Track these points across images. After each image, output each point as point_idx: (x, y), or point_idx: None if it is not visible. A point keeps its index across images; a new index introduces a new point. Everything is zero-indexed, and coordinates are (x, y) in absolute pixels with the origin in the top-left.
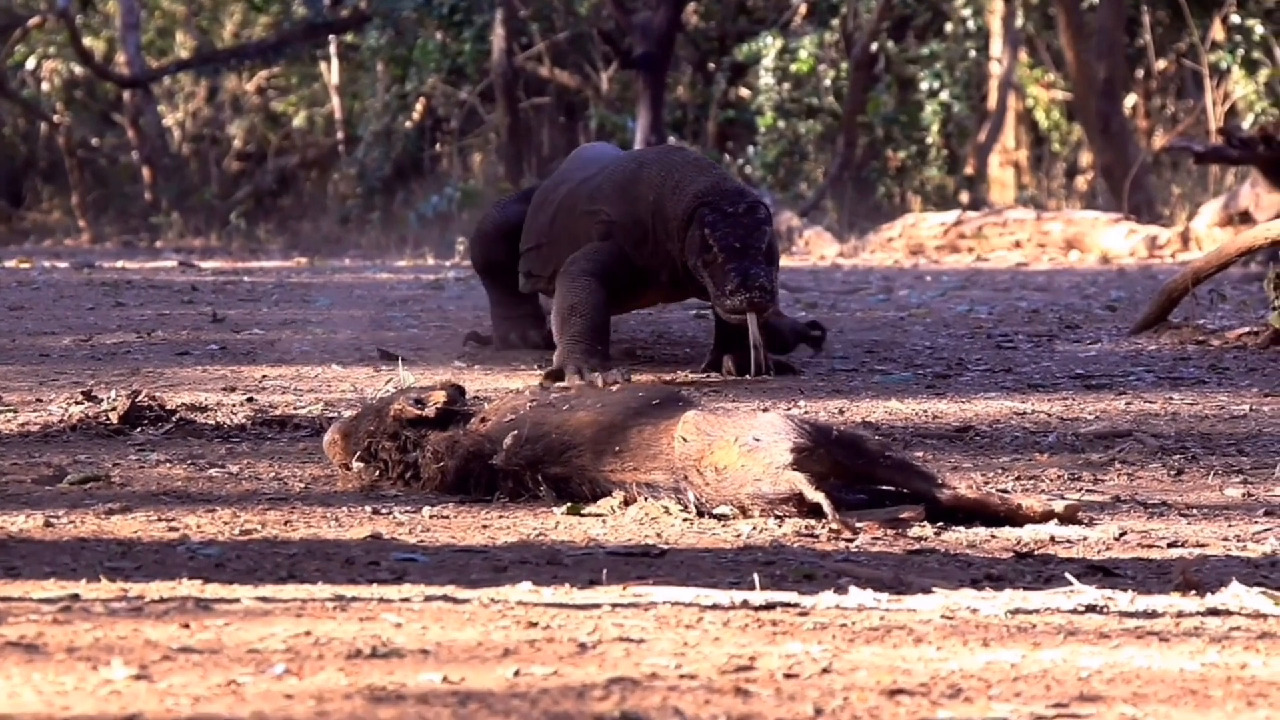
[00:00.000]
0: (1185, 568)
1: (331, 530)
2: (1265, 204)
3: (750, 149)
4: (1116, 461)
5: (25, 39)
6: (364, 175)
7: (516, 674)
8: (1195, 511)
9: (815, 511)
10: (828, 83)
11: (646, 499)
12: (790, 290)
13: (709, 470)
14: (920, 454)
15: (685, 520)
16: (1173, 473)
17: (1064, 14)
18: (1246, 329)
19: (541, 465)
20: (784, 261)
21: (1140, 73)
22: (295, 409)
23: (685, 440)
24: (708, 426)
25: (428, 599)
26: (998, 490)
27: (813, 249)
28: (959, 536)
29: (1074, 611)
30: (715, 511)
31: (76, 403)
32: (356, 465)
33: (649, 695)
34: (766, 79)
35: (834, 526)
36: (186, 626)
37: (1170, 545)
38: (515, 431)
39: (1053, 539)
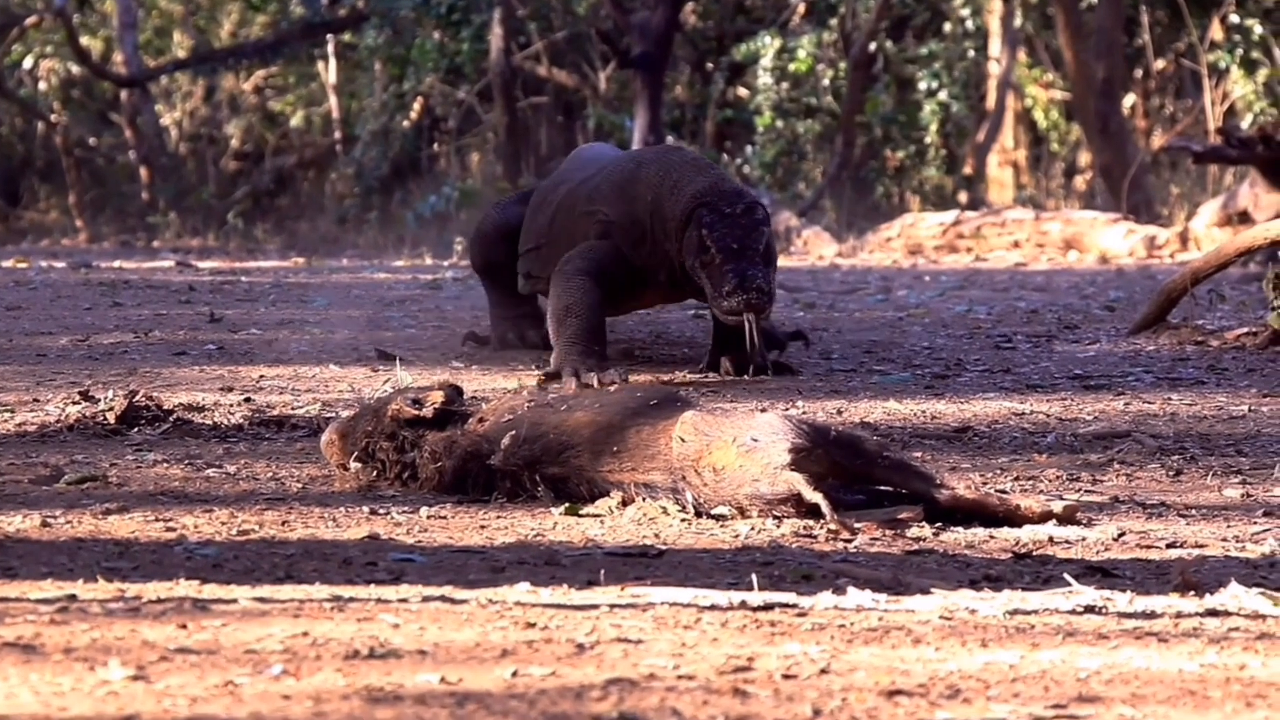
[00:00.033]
0: (1184, 568)
1: (329, 531)
2: (1264, 204)
3: (748, 149)
4: (1115, 462)
5: (22, 38)
6: (362, 175)
7: (514, 675)
8: (1194, 512)
9: (813, 512)
10: (826, 82)
11: (644, 499)
12: (788, 290)
13: (707, 471)
14: (919, 454)
15: (683, 521)
16: (1171, 473)
17: (1062, 14)
18: (1245, 329)
19: (539, 465)
20: (782, 261)
21: (1139, 72)
22: (293, 409)
23: (683, 440)
24: (706, 427)
25: (425, 599)
26: (996, 491)
27: (811, 249)
28: (957, 537)
29: (1072, 612)
30: (713, 512)
31: (73, 403)
32: (354, 465)
33: (647, 696)
34: (765, 79)
35: (832, 527)
36: (184, 627)
37: (1169, 546)
38: (513, 432)
39: (1051, 540)
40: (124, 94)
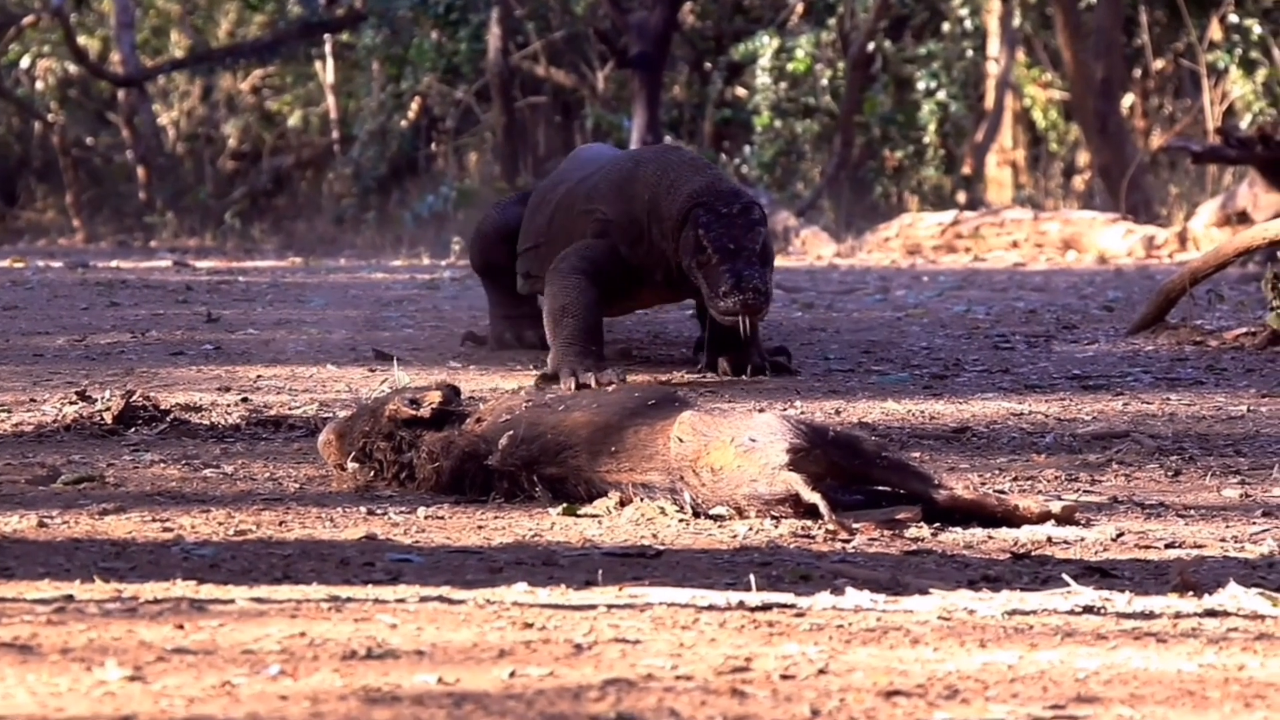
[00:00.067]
0: (1183, 569)
1: (326, 531)
2: (1263, 204)
3: (747, 149)
4: (1114, 462)
5: (19, 37)
6: (359, 175)
7: (512, 675)
8: (1193, 512)
9: (812, 512)
10: (824, 82)
11: (642, 500)
12: (787, 290)
13: (705, 471)
14: (917, 454)
15: (681, 521)
16: (1170, 473)
17: (1061, 13)
18: (1244, 329)
19: (537, 466)
20: (780, 261)
21: (1138, 72)
22: (290, 409)
23: (681, 441)
24: (704, 427)
25: (423, 600)
26: (995, 491)
27: (809, 249)
28: (956, 537)
29: (1071, 612)
30: (711, 512)
31: (71, 403)
32: (351, 466)
33: (645, 696)
34: (763, 78)
35: (830, 527)
36: (181, 627)
37: (1168, 546)
38: (511, 432)
39: (1050, 540)
40: (121, 93)
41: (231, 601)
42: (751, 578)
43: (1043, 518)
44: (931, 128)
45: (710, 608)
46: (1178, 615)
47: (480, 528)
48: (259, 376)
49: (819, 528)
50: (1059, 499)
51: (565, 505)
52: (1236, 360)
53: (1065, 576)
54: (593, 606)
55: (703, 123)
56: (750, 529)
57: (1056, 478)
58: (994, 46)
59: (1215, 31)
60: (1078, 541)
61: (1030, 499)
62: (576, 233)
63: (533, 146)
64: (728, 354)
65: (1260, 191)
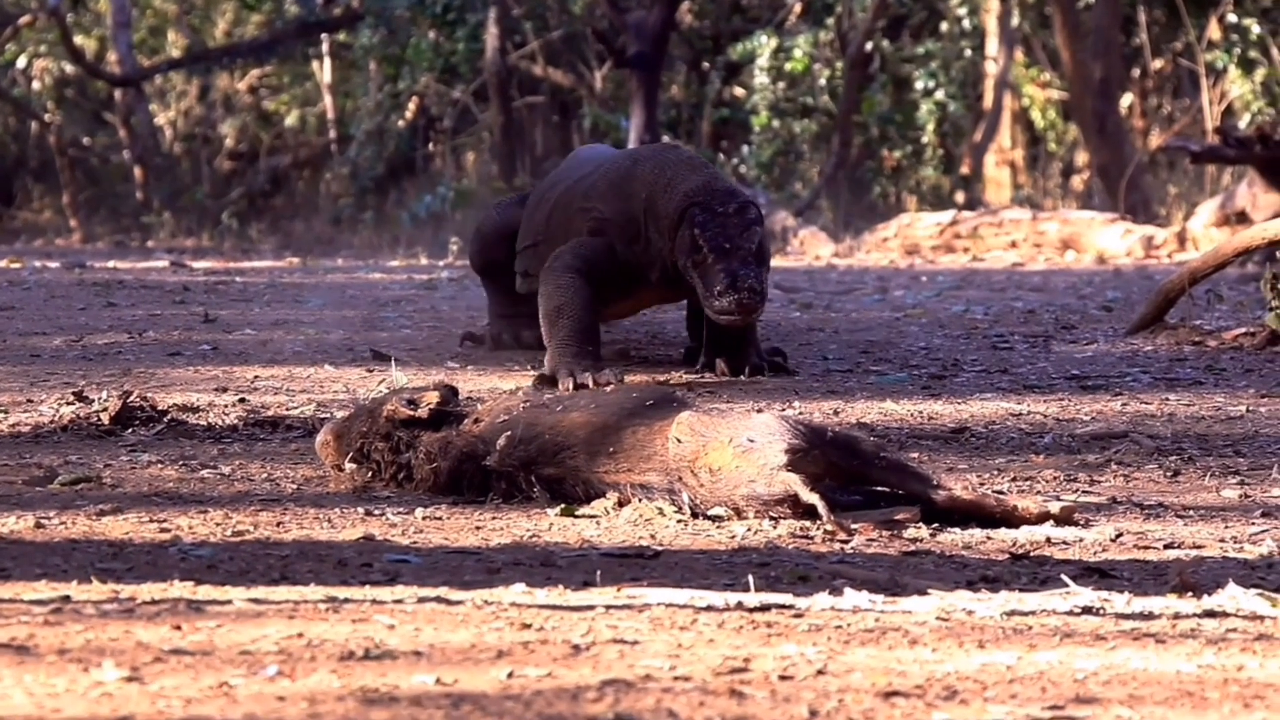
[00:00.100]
0: (1182, 569)
1: (324, 531)
2: (1262, 204)
3: (745, 148)
4: (1113, 463)
5: (16, 37)
6: (357, 175)
7: (510, 676)
8: (1192, 513)
9: (810, 513)
10: (823, 82)
11: (641, 500)
12: (785, 290)
13: (703, 471)
14: (916, 455)
15: (680, 522)
16: (1169, 474)
17: (1060, 13)
18: (1243, 330)
19: (535, 466)
20: (779, 261)
21: (1136, 72)
22: (287, 410)
23: (679, 441)
24: (702, 427)
25: (421, 600)
26: (994, 491)
27: (807, 249)
28: (954, 538)
29: (1070, 613)
30: (710, 513)
31: (68, 403)
32: (349, 466)
33: (643, 697)
34: (761, 78)
35: (829, 528)
36: (178, 628)
37: (1167, 547)
38: (509, 432)
39: (1049, 540)
40: (118, 93)
41: (229, 602)
42: (750, 578)
43: (1041, 518)
44: (930, 127)
45: (708, 608)
46: (1177, 616)
47: (478, 528)
48: (256, 377)
49: (817, 528)
50: (1058, 499)
51: (563, 506)
52: (1235, 360)
53: (1064, 577)
54: (591, 607)
55: (701, 122)
56: (749, 530)
57: (1055, 478)
58: (992, 46)
59: (1214, 31)
60: (1076, 542)
61: (1029, 499)
62: (574, 231)
63: (530, 146)
64: (725, 354)
65: (1259, 191)
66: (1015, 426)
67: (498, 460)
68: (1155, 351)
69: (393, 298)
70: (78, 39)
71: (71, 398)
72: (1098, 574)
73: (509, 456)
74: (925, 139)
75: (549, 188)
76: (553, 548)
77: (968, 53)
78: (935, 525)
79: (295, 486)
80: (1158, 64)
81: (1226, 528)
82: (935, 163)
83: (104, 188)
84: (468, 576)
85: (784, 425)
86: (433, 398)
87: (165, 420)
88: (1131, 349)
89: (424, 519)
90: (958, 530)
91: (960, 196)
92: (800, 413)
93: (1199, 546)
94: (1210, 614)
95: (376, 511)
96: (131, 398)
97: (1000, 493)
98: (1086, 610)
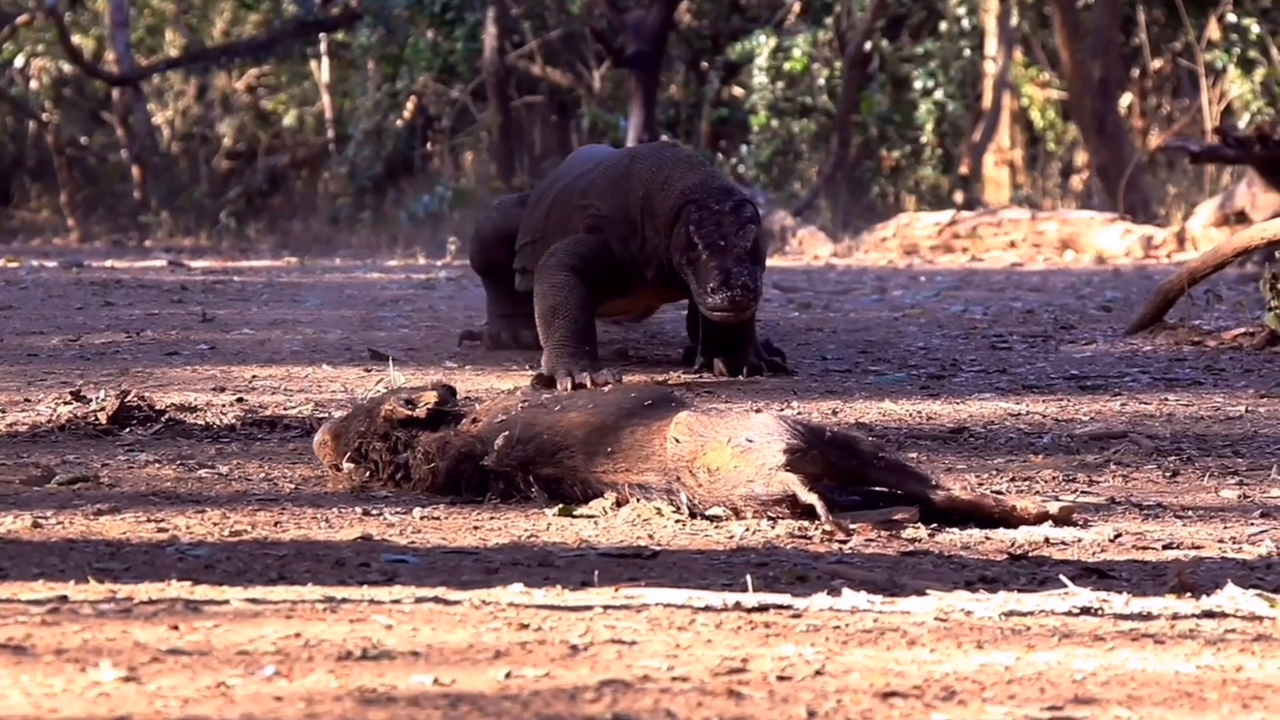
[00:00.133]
0: (1180, 570)
1: (322, 531)
2: (1261, 204)
3: (744, 148)
4: (1112, 463)
5: (14, 36)
6: (355, 174)
7: (508, 676)
8: (1191, 513)
9: (808, 513)
10: (821, 82)
11: (639, 500)
12: (783, 290)
13: (701, 471)
14: (914, 455)
15: (678, 522)
16: (1168, 474)
17: (1059, 13)
18: (1242, 330)
19: (533, 466)
20: (777, 261)
21: (1136, 72)
22: (285, 409)
23: (678, 441)
24: (700, 427)
25: (419, 600)
26: (992, 492)
27: (806, 249)
28: (953, 538)
29: (1069, 614)
30: (708, 513)
31: (65, 403)
32: (347, 466)
33: (641, 697)
34: (760, 78)
35: (827, 528)
36: (175, 628)
37: (1165, 547)
38: (506, 432)
39: (1047, 541)
40: (116, 93)
41: (226, 602)
42: (748, 578)
43: (1040, 518)
44: (929, 127)
45: (707, 609)
46: (1175, 616)
47: (476, 528)
48: (254, 377)
49: (816, 528)
50: (1056, 500)
51: (561, 506)
52: (1234, 361)
53: (1063, 577)
54: (589, 607)
55: (699, 122)
56: (747, 530)
57: (1054, 478)
58: (991, 46)
59: (1213, 31)
60: (1075, 542)
61: (1028, 500)
62: (572, 228)
63: (529, 146)
64: (724, 354)
65: (1258, 191)
66: (1014, 426)
67: (495, 460)
68: (1154, 352)
69: (391, 297)
70: (75, 38)
71: (69, 397)
72: (1096, 574)
73: (507, 456)
74: (924, 139)
75: (549, 186)
76: (551, 548)
77: (967, 52)
78: (934, 525)
79: (293, 486)
80: (1157, 64)
81: (1225, 528)
82: (934, 162)
83: (102, 187)
84: (465, 576)
85: (782, 425)
86: (430, 398)
87: (163, 420)
88: (1130, 349)
89: (422, 519)
90: (956, 530)
91: (959, 196)
92: (799, 413)
93: (1198, 547)
94: (1209, 614)
95: (374, 511)
96: (129, 397)
97: (999, 493)
98: (1085, 611)
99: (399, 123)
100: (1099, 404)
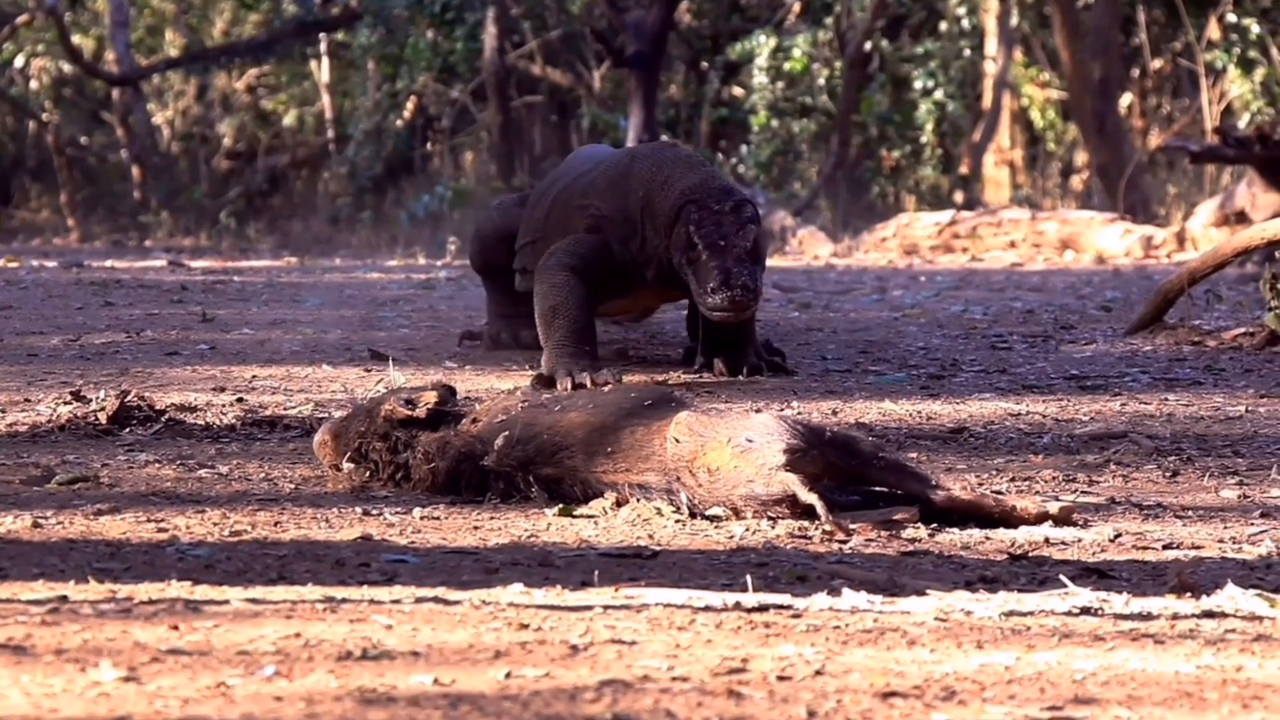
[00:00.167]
0: (1180, 570)
1: (322, 531)
2: (1261, 204)
3: (744, 148)
4: (1111, 463)
5: (14, 36)
6: (355, 174)
7: (508, 676)
8: (1191, 513)
9: (808, 513)
10: (821, 82)
11: (639, 500)
12: (784, 290)
13: (701, 471)
14: (914, 455)
15: (678, 522)
16: (1168, 474)
17: (1059, 13)
18: (1242, 330)
19: (533, 466)
20: (777, 261)
21: (1136, 72)
22: (285, 409)
23: (678, 441)
24: (700, 427)
25: (419, 600)
26: (992, 492)
27: (806, 249)
28: (953, 538)
29: (1069, 614)
30: (708, 513)
31: (65, 403)
32: (347, 466)
33: (641, 697)
34: (760, 78)
35: (827, 528)
36: (175, 628)
37: (1165, 547)
38: (506, 432)
39: (1047, 541)
40: (116, 93)
41: (226, 602)
42: (748, 579)
43: (1040, 518)
44: (929, 127)
45: (707, 609)
46: (1175, 616)
47: (476, 528)
48: (254, 377)
49: (816, 528)
50: (1056, 500)
51: (561, 506)
52: (1234, 361)
53: (1063, 577)
54: (589, 607)
55: (699, 122)
56: (747, 530)
57: (1054, 478)
58: (991, 46)
59: (1213, 31)
60: (1075, 542)
61: (1028, 500)
62: (572, 228)
63: (529, 146)
64: (724, 354)
65: (1258, 191)
66: (1014, 426)
67: (495, 460)
68: (1154, 352)
69: (391, 297)
70: (75, 38)
71: (69, 397)
72: (1096, 574)
73: (507, 456)
74: (924, 139)
75: (549, 185)
76: (551, 548)
77: (967, 52)
78: (934, 525)
79: (293, 486)
80: (1157, 64)
81: (1225, 528)
82: (934, 162)
83: (102, 187)
84: (465, 576)
85: (782, 425)
86: (430, 398)
87: (163, 420)
88: (1130, 349)
89: (422, 519)
90: (956, 530)
91: (959, 196)
92: (799, 413)
93: (1198, 547)
94: (1209, 614)
95: (374, 511)
96: (129, 397)
97: (999, 493)
98: (1085, 611)
99: (399, 123)
100: (1099, 404)
